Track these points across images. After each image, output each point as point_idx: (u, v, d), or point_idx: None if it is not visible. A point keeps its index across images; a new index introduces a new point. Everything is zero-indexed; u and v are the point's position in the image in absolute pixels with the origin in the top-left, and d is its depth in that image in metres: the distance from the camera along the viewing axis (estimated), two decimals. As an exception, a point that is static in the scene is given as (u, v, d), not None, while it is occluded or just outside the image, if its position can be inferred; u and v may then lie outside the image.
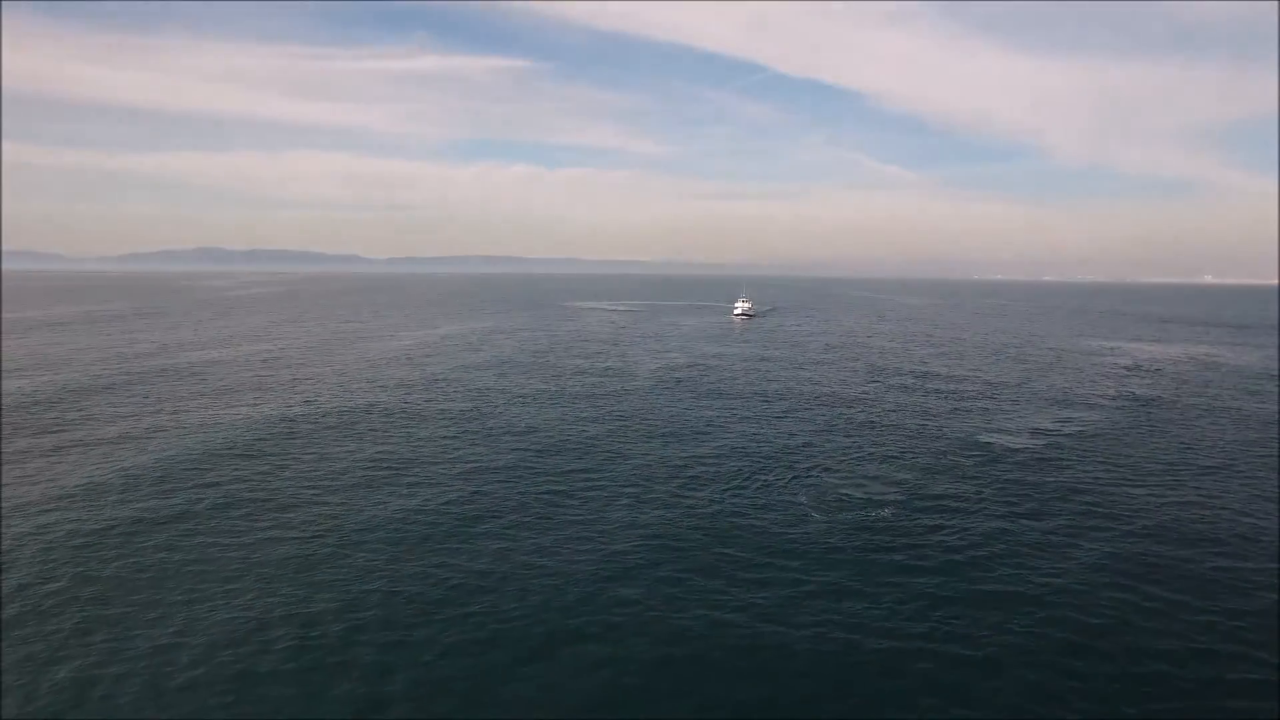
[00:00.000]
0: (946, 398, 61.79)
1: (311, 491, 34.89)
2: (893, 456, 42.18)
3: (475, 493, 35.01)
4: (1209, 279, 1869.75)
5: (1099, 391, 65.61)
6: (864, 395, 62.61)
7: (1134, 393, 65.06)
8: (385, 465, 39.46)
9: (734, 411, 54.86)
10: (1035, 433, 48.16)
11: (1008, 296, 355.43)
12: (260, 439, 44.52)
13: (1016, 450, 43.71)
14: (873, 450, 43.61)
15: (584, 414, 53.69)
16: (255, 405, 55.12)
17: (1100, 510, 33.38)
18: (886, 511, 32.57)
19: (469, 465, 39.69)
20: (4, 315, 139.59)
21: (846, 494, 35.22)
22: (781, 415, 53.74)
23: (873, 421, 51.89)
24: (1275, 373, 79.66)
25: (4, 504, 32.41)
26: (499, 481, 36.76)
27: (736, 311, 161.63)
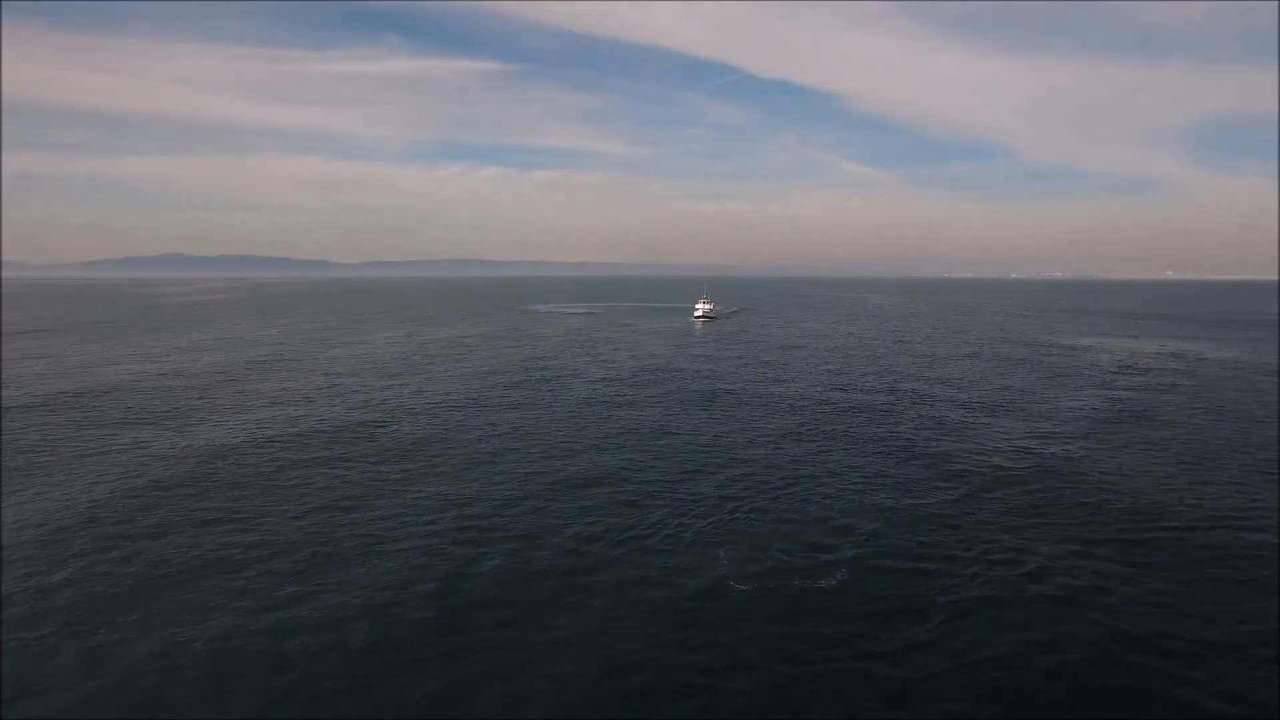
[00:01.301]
0: (916, 405, 54.61)
1: (153, 531, 26.36)
2: (847, 489, 34.34)
3: (299, 535, 26.67)
4: (1170, 275, 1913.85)
5: (1083, 397, 59.05)
6: (821, 406, 55.14)
7: (1119, 395, 58.64)
8: (230, 497, 30.98)
9: (662, 425, 46.96)
10: (1018, 453, 40.51)
11: (978, 294, 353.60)
12: (156, 471, 35.79)
13: (999, 474, 36.31)
14: (824, 479, 35.94)
15: (497, 429, 45.74)
16: (149, 428, 46.15)
17: (1093, 544, 26.17)
18: (834, 579, 24.31)
19: (312, 501, 31.28)
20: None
21: (782, 539, 27.48)
22: (715, 433, 45.75)
23: (827, 439, 44.43)
24: (1270, 368, 74.15)
25: None
26: (342, 527, 28.43)
27: (697, 313, 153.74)
